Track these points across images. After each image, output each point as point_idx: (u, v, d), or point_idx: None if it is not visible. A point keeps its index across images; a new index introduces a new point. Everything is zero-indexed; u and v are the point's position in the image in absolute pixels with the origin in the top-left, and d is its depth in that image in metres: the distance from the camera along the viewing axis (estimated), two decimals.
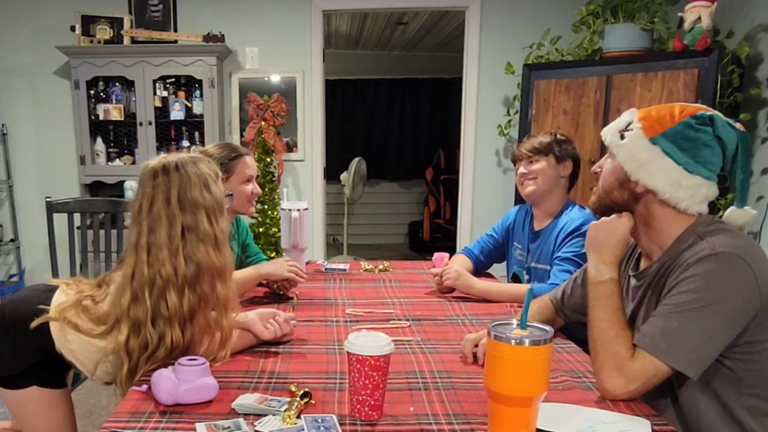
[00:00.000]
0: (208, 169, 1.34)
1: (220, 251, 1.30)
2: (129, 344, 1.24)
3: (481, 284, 1.89)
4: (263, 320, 1.40)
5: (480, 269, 2.18)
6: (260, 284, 1.95)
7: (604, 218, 1.27)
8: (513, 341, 0.87)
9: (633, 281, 1.31)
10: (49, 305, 1.36)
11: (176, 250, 1.26)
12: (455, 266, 1.94)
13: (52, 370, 1.42)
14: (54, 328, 1.34)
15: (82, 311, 1.33)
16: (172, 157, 1.33)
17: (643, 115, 1.20)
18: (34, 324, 1.32)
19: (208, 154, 1.93)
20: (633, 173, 1.18)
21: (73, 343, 1.34)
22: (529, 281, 2.01)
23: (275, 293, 1.88)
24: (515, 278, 2.09)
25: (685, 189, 1.15)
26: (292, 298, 1.84)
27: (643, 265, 1.30)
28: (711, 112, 1.16)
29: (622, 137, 1.19)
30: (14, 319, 1.37)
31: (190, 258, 1.26)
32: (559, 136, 1.99)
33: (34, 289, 1.47)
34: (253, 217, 3.89)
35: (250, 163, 1.94)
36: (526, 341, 0.87)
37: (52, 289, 1.41)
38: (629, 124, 1.20)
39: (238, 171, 1.89)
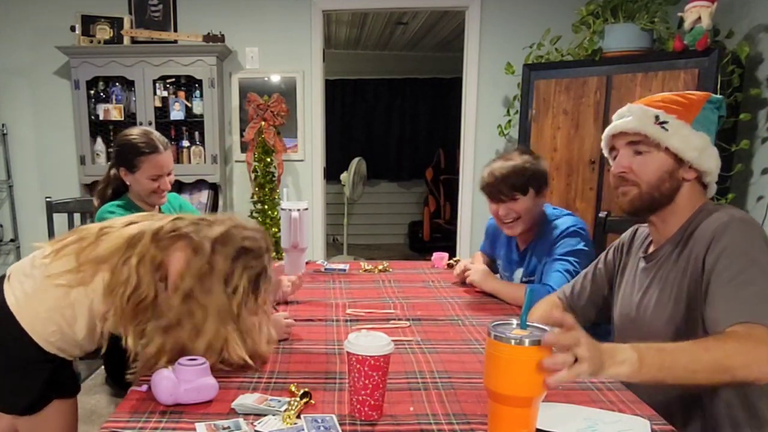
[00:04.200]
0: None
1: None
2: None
3: (497, 283, 1.90)
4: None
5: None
6: None
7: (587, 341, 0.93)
8: (513, 341, 0.86)
9: (642, 264, 1.33)
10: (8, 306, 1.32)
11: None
12: (478, 266, 1.96)
13: (65, 375, 1.40)
14: (16, 311, 1.30)
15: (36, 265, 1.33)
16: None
17: (664, 105, 1.22)
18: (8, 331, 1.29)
19: (123, 141, 2.00)
20: (695, 160, 1.20)
21: (33, 305, 1.30)
22: None
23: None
24: None
25: (717, 166, 1.24)
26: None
27: (652, 248, 1.31)
28: (716, 95, 1.26)
29: (665, 128, 1.20)
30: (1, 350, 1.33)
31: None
32: (532, 163, 1.81)
33: None
34: (253, 217, 3.89)
35: (160, 162, 1.98)
36: (526, 341, 0.86)
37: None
38: (657, 116, 1.21)
39: (143, 168, 1.97)
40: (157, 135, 2.03)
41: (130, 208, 1.98)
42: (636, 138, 1.23)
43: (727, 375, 1.02)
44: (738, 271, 1.10)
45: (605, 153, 1.34)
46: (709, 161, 1.22)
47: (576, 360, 0.87)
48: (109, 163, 2.10)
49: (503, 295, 1.83)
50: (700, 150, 1.20)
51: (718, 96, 1.26)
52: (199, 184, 3.92)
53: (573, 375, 0.88)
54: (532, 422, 0.91)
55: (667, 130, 1.20)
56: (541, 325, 0.91)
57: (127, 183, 2.02)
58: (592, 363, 0.89)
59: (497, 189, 1.83)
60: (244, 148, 4.02)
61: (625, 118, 1.25)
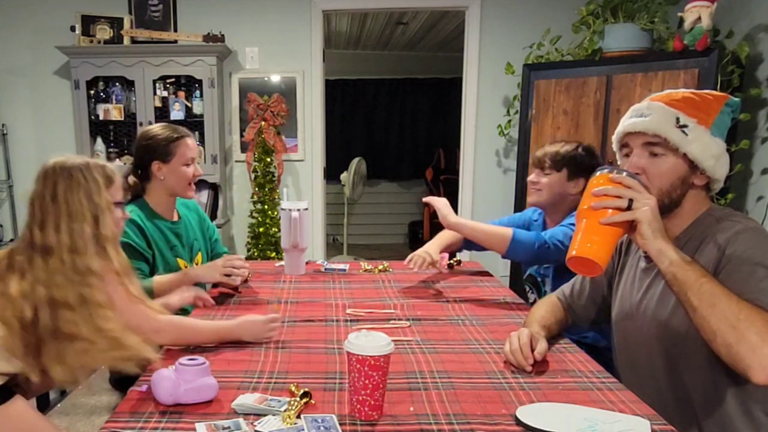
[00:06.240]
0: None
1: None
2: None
3: (461, 219, 1.95)
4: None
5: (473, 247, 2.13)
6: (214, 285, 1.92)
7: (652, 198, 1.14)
8: (615, 171, 1.16)
9: (642, 263, 1.32)
10: None
11: None
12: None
13: None
14: None
15: None
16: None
17: (684, 106, 1.18)
18: None
19: (151, 135, 1.95)
20: (711, 168, 1.18)
21: None
22: (546, 292, 1.98)
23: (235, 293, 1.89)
24: (533, 281, 2.06)
25: (726, 172, 1.22)
26: (234, 295, 1.86)
27: None
28: (734, 98, 1.23)
29: (685, 133, 1.16)
30: None
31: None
32: (581, 151, 1.90)
33: None
34: (253, 217, 3.90)
35: (191, 145, 1.96)
36: (623, 173, 1.15)
37: None
38: (678, 118, 1.17)
39: (179, 153, 1.93)
40: (175, 125, 2.02)
41: (151, 217, 1.93)
42: (655, 140, 1.18)
43: (734, 336, 1.01)
44: (750, 274, 1.08)
45: (615, 148, 1.30)
46: (722, 169, 1.19)
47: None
48: (125, 171, 2.03)
49: (477, 233, 1.89)
50: (717, 157, 1.17)
51: (736, 99, 1.22)
52: (199, 184, 3.90)
53: (629, 215, 1.11)
54: (600, 241, 1.12)
55: (687, 135, 1.15)
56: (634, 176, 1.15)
57: (160, 178, 1.94)
58: (653, 220, 1.10)
59: (538, 156, 1.96)
60: (244, 148, 4.02)
61: (645, 117, 1.19)
